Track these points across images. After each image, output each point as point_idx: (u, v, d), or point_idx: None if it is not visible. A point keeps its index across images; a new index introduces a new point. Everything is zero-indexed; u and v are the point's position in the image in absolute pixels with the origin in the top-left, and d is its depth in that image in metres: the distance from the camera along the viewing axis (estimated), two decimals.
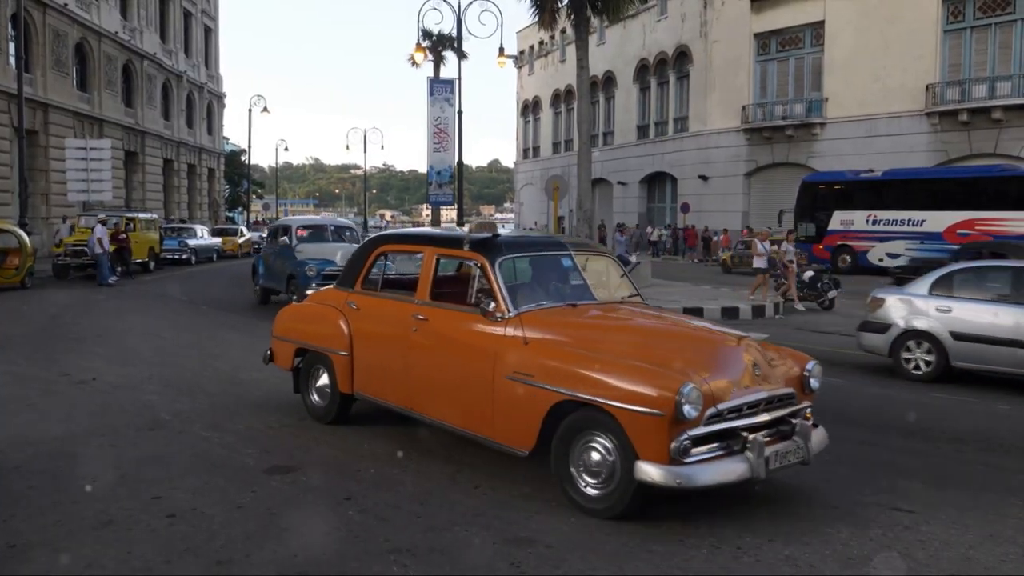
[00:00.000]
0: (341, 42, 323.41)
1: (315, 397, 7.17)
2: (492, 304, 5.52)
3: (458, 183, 32.72)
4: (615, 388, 4.72)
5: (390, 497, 5.25)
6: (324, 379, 7.00)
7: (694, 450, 4.60)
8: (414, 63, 39.43)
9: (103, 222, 21.52)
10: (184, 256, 29.65)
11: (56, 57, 31.69)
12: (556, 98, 56.38)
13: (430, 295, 6.13)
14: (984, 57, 30.54)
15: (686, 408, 4.45)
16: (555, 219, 30.45)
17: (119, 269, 22.43)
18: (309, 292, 12.68)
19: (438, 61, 44.52)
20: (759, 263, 17.59)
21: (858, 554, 4.42)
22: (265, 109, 50.06)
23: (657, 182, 45.95)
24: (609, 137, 50.02)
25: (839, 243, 28.12)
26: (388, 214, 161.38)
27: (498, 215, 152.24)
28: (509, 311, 5.49)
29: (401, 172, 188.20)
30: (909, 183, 27.25)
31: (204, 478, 5.58)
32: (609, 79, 49.18)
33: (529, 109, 61.51)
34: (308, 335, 7.22)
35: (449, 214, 57.98)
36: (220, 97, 55.41)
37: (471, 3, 34.68)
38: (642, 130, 46.46)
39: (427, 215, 73.98)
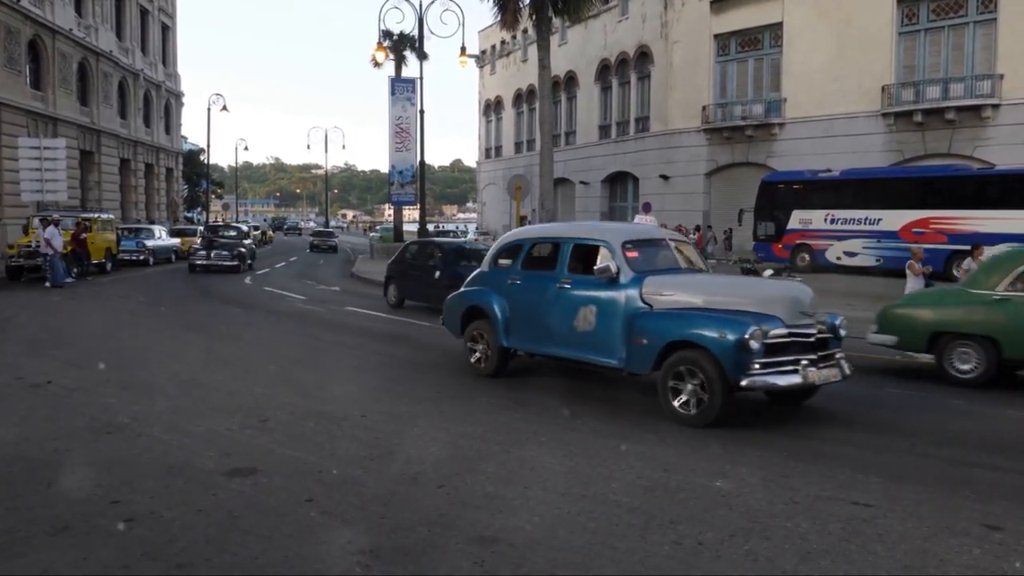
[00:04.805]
0: (301, 41, 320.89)
1: None
2: None
3: (420, 183, 32.67)
4: None
5: (352, 498, 5.22)
6: None
7: None
8: (376, 63, 39.23)
9: (56, 223, 21.16)
10: (141, 257, 29.25)
11: (8, 55, 30.99)
12: (518, 98, 56.35)
13: None
14: (938, 59, 31.09)
15: None
16: (518, 219, 30.46)
17: (75, 270, 22.06)
18: (746, 383, 7.03)
19: (399, 61, 44.28)
20: (915, 285, 14.05)
21: (818, 548, 4.48)
22: (224, 108, 49.51)
23: (619, 182, 46.12)
24: (571, 137, 50.11)
25: (798, 242, 28.44)
26: (350, 214, 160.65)
27: (461, 215, 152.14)
28: None
29: (363, 172, 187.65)
30: (866, 182, 27.65)
31: (163, 481, 5.50)
32: (571, 79, 49.27)
33: (491, 109, 61.41)
34: None
35: (411, 214, 57.76)
36: (178, 96, 54.61)
37: (432, 2, 34.37)
38: (604, 130, 46.61)
39: (389, 215, 73.63)
